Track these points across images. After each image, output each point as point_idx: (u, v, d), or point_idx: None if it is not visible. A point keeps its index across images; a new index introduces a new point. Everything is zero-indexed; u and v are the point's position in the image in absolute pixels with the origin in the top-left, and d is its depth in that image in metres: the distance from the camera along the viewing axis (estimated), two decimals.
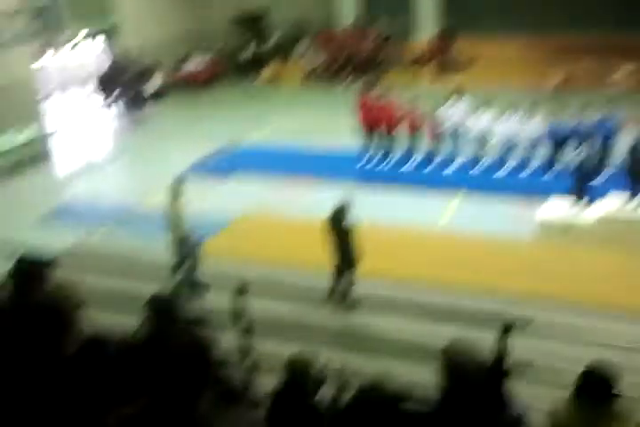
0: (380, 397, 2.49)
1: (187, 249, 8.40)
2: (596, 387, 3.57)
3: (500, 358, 4.16)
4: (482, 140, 12.85)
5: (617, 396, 3.56)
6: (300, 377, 4.06)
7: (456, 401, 3.21)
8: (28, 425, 2.53)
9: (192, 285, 8.05)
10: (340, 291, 8.00)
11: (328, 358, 4.57)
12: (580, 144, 11.48)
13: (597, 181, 10.90)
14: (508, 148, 12.66)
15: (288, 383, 4.03)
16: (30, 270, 3.96)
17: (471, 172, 12.76)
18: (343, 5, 22.16)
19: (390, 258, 9.08)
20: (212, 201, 11.56)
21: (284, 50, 22.04)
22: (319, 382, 4.18)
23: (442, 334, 4.91)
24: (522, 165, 12.57)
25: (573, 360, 3.99)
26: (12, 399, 2.60)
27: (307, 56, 21.51)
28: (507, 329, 4.28)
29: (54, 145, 15.45)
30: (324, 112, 17.15)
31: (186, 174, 12.81)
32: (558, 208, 10.14)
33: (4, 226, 6.41)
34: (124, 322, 3.88)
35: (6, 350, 2.83)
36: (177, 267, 8.24)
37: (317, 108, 17.84)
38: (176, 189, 8.43)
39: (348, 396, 3.40)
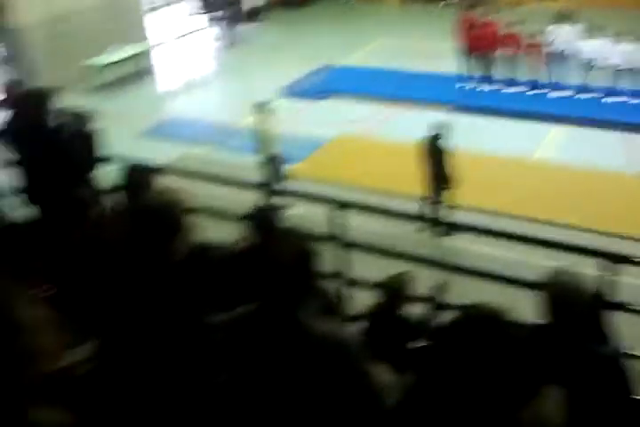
0: (484, 317, 2.44)
1: (275, 168, 8.49)
2: None
3: (602, 291, 4.03)
4: (590, 66, 12.04)
5: None
6: (396, 295, 4.09)
7: (559, 332, 3.11)
8: (134, 327, 2.62)
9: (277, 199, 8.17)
10: (434, 216, 7.90)
11: (424, 279, 4.55)
12: None
13: None
14: (619, 74, 11.84)
15: (385, 301, 4.08)
16: (139, 177, 4.10)
17: (577, 98, 12.08)
18: None
19: (485, 187, 8.82)
20: (306, 122, 11.53)
21: None
22: (415, 301, 4.22)
23: (539, 265, 4.79)
24: (633, 94, 11.77)
25: None
26: (123, 301, 2.69)
27: None
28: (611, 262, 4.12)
29: (157, 60, 15.68)
30: (424, 32, 16.45)
31: (278, 94, 12.83)
32: None
33: (109, 138, 6.61)
34: (226, 230, 3.99)
35: (118, 254, 2.92)
36: (266, 185, 8.33)
37: (418, 28, 17.13)
38: (265, 109, 8.42)
39: (445, 315, 3.40)
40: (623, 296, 4.38)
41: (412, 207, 7.91)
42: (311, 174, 9.31)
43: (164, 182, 4.04)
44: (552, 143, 10.59)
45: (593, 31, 12.07)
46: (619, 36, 11.79)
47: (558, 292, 3.21)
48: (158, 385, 2.48)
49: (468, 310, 2.59)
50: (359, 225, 5.59)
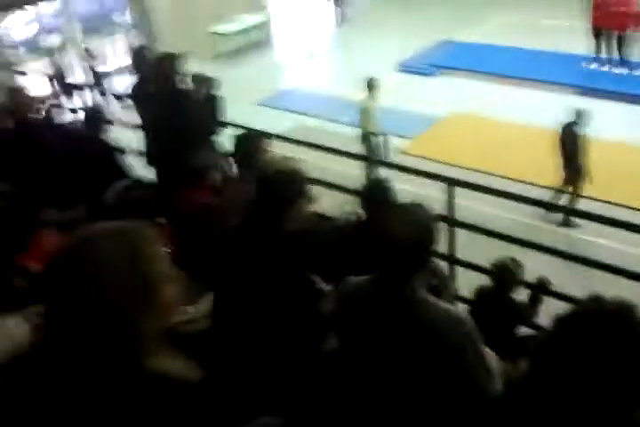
0: (612, 311, 2.31)
1: (376, 144, 8.42)
2: None
3: None
4: None
5: None
6: (504, 280, 4.00)
7: None
8: (247, 290, 2.65)
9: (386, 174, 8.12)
10: (564, 206, 7.63)
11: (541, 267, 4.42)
12: None
13: None
14: None
15: (493, 285, 4.00)
16: (252, 144, 4.16)
17: None
18: None
19: (614, 177, 8.36)
20: (420, 98, 11.35)
21: None
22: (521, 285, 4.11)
23: None
24: None
25: None
26: (237, 266, 2.73)
27: None
28: None
29: (277, 31, 15.85)
30: (551, 8, 15.54)
31: (392, 69, 12.66)
32: None
33: (228, 106, 6.77)
34: (339, 202, 4.01)
35: (234, 221, 2.95)
36: (376, 159, 8.29)
37: (539, 3, 16.30)
38: (372, 84, 8.34)
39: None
40: None
41: (526, 191, 7.65)
42: (424, 152, 9.20)
43: (279, 151, 4.10)
44: None
45: None
46: None
47: None
48: (269, 348, 2.54)
49: (593, 304, 2.48)
50: (471, 207, 5.49)
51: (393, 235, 2.35)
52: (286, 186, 2.78)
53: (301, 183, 2.85)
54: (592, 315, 2.28)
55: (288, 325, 2.56)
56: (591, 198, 7.55)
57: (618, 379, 2.18)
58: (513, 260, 4.13)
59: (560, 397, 2.21)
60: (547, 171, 7.92)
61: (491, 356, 2.78)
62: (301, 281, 2.70)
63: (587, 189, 7.61)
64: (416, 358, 2.21)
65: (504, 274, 4.00)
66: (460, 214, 4.77)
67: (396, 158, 8.54)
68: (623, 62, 12.05)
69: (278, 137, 5.06)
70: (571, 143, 7.41)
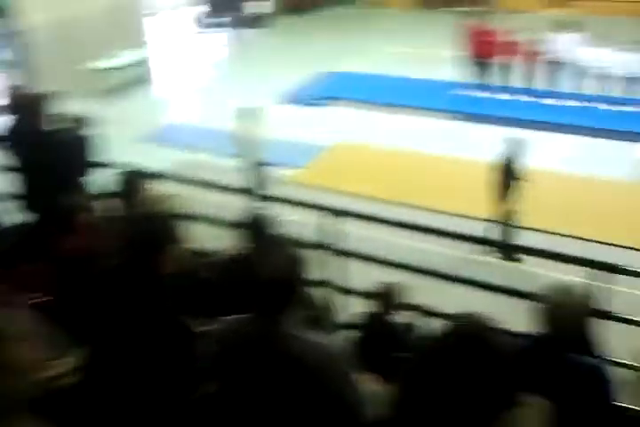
0: (471, 329, 2.45)
1: (259, 174, 8.50)
2: None
3: (593, 300, 4.05)
4: (592, 74, 12.09)
5: None
6: (387, 304, 4.12)
7: (552, 343, 3.12)
8: (123, 336, 2.61)
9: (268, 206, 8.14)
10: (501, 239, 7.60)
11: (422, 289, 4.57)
12: None
13: None
14: (618, 82, 11.91)
15: (376, 310, 4.11)
16: (133, 183, 4.13)
17: (575, 106, 12.13)
18: None
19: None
20: (305, 128, 11.56)
21: None
22: (406, 310, 4.25)
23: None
24: (631, 102, 11.84)
25: None
26: (112, 310, 2.67)
27: None
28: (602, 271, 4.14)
29: (159, 65, 15.72)
30: (429, 38, 16.48)
31: (277, 100, 12.86)
32: None
33: (108, 143, 6.65)
34: (219, 237, 4.01)
35: (108, 263, 2.90)
36: (253, 189, 8.30)
37: (422, 34, 17.19)
38: (249, 114, 8.45)
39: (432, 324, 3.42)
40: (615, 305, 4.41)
41: (413, 216, 7.85)
42: (310, 181, 9.35)
43: (158, 189, 4.07)
44: (550, 152, 10.60)
45: (595, 39, 12.13)
46: (620, 44, 11.87)
47: (558, 304, 3.21)
48: (146, 395, 2.49)
49: (455, 322, 2.61)
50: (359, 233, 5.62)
51: (261, 271, 2.37)
52: (159, 228, 2.75)
53: (175, 224, 2.83)
54: (450, 337, 2.41)
55: (162, 372, 2.51)
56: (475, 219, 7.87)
57: (479, 392, 2.31)
58: (395, 284, 4.26)
59: (429, 412, 2.31)
60: (438, 195, 8.24)
61: (369, 381, 2.85)
62: (175, 326, 2.65)
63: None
64: (288, 395, 2.23)
65: (385, 299, 4.13)
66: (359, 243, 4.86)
67: (282, 189, 8.58)
68: (502, 88, 12.81)
69: (159, 174, 5.02)
70: (506, 175, 7.40)
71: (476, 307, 3.08)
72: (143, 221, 2.83)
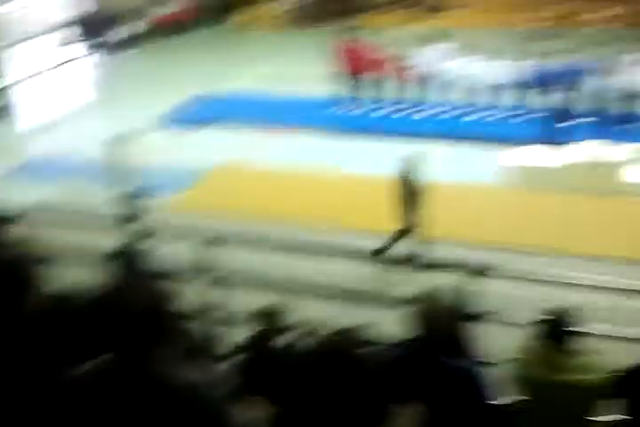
0: (342, 343, 2.50)
1: (134, 203, 8.30)
2: (556, 328, 3.65)
3: (464, 303, 4.25)
4: (461, 85, 12.73)
5: (577, 335, 3.66)
6: (269, 326, 4.13)
7: (423, 349, 3.23)
8: None
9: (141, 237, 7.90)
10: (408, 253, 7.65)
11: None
12: (558, 88, 11.40)
13: (570, 126, 10.89)
14: (485, 92, 12.59)
15: (258, 333, 4.11)
16: None
17: (446, 117, 12.66)
18: None
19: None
20: (182, 152, 11.37)
21: None
22: (288, 332, 4.26)
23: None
24: (497, 109, 12.52)
25: (532, 303, 4.06)
26: None
27: None
28: (473, 274, 4.35)
29: (20, 97, 15.00)
30: (301, 58, 16.69)
31: (152, 124, 12.63)
32: (527, 153, 10.14)
33: None
34: (84, 276, 3.87)
35: None
36: (125, 220, 8.10)
37: (294, 54, 17.41)
38: (123, 141, 8.28)
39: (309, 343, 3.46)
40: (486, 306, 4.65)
41: (297, 235, 7.88)
42: (190, 207, 9.21)
43: (20, 230, 3.91)
44: (429, 162, 10.95)
45: (462, 51, 12.75)
46: (487, 54, 12.54)
47: (426, 308, 3.33)
48: None
49: (323, 339, 2.66)
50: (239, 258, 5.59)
51: (125, 307, 2.31)
52: (20, 271, 2.66)
53: (37, 266, 2.74)
54: (319, 354, 2.45)
55: (32, 417, 2.42)
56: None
57: (353, 404, 2.35)
58: (277, 304, 4.28)
59: None
60: (330, 213, 8.38)
61: (253, 405, 2.84)
62: (44, 369, 2.56)
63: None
64: None
65: (269, 319, 4.13)
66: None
67: (161, 217, 8.34)
68: (365, 103, 13.18)
69: (20, 215, 4.81)
70: (407, 191, 7.45)
71: (363, 320, 3.16)
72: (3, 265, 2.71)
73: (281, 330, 4.19)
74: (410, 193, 7.40)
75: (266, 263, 6.69)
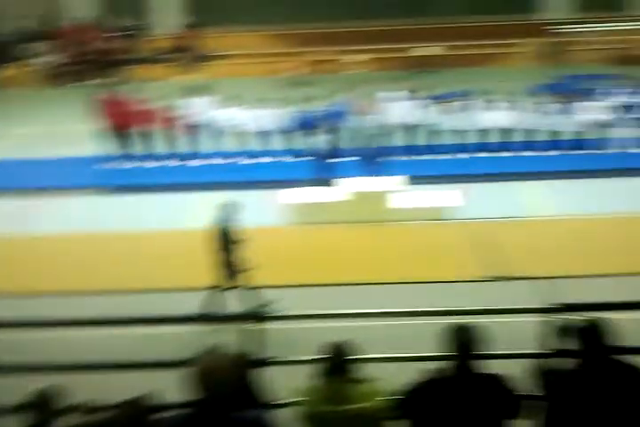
0: (133, 412, 2.36)
1: None
2: (337, 360, 3.77)
3: (250, 350, 4.25)
4: (229, 132, 13.00)
5: (358, 363, 3.81)
6: (43, 411, 3.79)
7: (211, 406, 3.15)
8: None
9: None
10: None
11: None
12: (322, 130, 12.10)
13: (337, 164, 11.53)
14: (254, 137, 12.98)
15: (34, 420, 3.75)
16: None
17: (219, 163, 12.89)
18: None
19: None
20: None
21: (15, 49, 20.27)
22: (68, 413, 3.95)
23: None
24: (267, 154, 12.95)
25: (320, 338, 4.18)
26: None
27: (42, 55, 20.02)
28: (254, 320, 4.38)
29: None
30: (62, 115, 16.06)
31: None
32: (303, 192, 10.60)
33: None
34: None
35: None
36: None
37: (54, 112, 16.71)
38: None
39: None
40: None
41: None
42: None
43: None
44: (201, 211, 10.93)
45: (229, 101, 13.04)
46: (252, 103, 12.93)
47: (208, 365, 3.25)
48: None
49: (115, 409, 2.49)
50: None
51: None
52: None
53: None
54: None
55: None
56: None
57: None
58: (52, 387, 3.93)
59: None
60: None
61: None
62: None
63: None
64: None
65: (42, 406, 3.78)
66: None
67: None
68: (134, 157, 12.94)
69: None
70: (225, 240, 7.22)
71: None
72: None
73: (59, 413, 3.86)
74: (227, 243, 7.24)
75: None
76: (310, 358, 4.18)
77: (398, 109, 12.67)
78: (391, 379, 4.01)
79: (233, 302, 7.19)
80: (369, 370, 4.01)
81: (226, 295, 7.31)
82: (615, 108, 12.78)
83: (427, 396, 3.60)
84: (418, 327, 5.15)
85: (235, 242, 7.23)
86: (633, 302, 4.62)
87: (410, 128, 12.78)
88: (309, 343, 4.28)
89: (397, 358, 4.75)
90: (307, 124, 12.28)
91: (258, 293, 7.33)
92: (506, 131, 12.78)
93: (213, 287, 7.35)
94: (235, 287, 7.38)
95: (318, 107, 12.62)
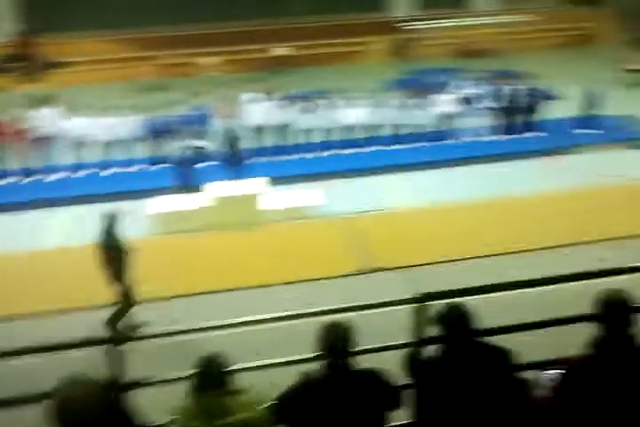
0: None
1: None
2: (209, 374, 3.63)
3: (116, 375, 4.02)
4: (82, 143, 12.38)
5: (234, 375, 3.69)
6: None
7: None
8: None
9: None
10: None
11: None
12: (181, 135, 11.81)
13: (201, 169, 11.35)
14: (110, 147, 12.46)
15: None
16: None
17: (74, 177, 12.27)
18: None
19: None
20: None
21: None
22: None
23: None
24: (128, 163, 12.50)
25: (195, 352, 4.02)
26: None
27: None
28: (118, 342, 4.14)
29: None
30: None
31: None
32: (168, 200, 10.30)
33: None
34: None
35: None
36: None
37: None
38: None
39: None
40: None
41: None
42: None
43: None
44: (62, 227, 10.38)
45: (80, 110, 12.43)
46: (106, 111, 12.41)
47: (67, 396, 3.01)
48: None
49: None
50: None
51: None
52: None
53: None
54: None
55: None
56: None
57: None
58: None
59: None
60: None
61: None
62: None
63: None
64: None
65: None
66: None
67: None
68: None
69: None
70: (109, 253, 6.85)
71: None
72: None
73: None
74: (113, 256, 6.90)
75: None
76: (184, 374, 4.02)
77: (259, 111, 12.62)
78: (270, 386, 3.93)
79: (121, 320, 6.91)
80: (247, 379, 3.91)
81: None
82: (465, 100, 13.44)
83: (303, 398, 3.55)
84: (293, 329, 5.09)
85: (121, 255, 6.94)
86: (495, 284, 4.81)
87: (272, 129, 12.77)
88: (185, 358, 4.10)
89: (274, 363, 4.65)
90: (165, 131, 11.93)
91: (135, 309, 7.07)
92: (365, 127, 13.08)
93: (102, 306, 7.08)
94: (123, 303, 7.11)
95: (176, 112, 12.29)
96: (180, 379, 4.53)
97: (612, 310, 3.52)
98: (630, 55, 17.28)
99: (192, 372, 3.65)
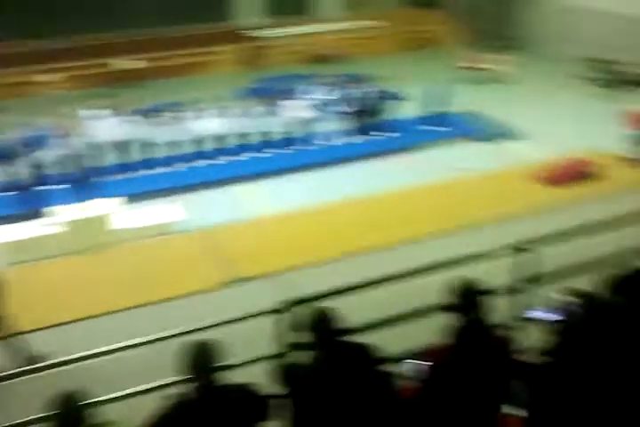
0: None
1: None
2: (67, 411, 3.42)
3: None
4: None
5: (95, 409, 3.48)
6: None
7: None
8: None
9: None
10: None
11: None
12: (21, 159, 11.02)
13: (45, 193, 10.71)
14: None
15: None
16: None
17: None
18: None
19: None
20: None
21: None
22: None
23: None
24: None
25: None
26: None
27: None
28: None
29: None
30: None
31: None
32: (13, 229, 9.59)
33: None
34: None
35: None
36: None
37: None
38: None
39: None
40: None
41: None
42: None
43: None
44: None
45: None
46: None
47: None
48: None
49: None
50: None
51: None
52: None
53: None
54: None
55: None
56: None
57: None
58: None
59: None
60: None
61: None
62: None
63: None
64: None
65: None
66: None
67: None
68: None
69: None
70: None
71: None
72: None
73: None
74: None
75: None
76: (41, 415, 3.74)
77: (105, 127, 12.09)
78: (135, 415, 3.74)
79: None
80: (109, 411, 3.69)
81: None
82: (316, 105, 13.64)
83: (174, 422, 3.41)
84: (159, 351, 4.86)
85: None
86: (358, 284, 4.86)
87: (120, 145, 12.27)
88: (41, 396, 3.79)
89: (139, 391, 4.44)
90: (2, 155, 11.08)
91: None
92: (219, 137, 12.91)
93: None
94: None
95: (14, 135, 11.45)
96: (38, 420, 4.21)
97: (467, 299, 3.65)
98: (464, 54, 18.37)
99: (49, 413, 3.42)
